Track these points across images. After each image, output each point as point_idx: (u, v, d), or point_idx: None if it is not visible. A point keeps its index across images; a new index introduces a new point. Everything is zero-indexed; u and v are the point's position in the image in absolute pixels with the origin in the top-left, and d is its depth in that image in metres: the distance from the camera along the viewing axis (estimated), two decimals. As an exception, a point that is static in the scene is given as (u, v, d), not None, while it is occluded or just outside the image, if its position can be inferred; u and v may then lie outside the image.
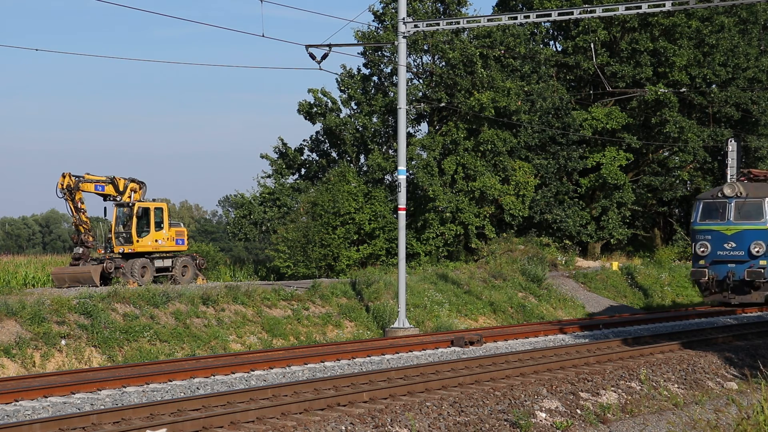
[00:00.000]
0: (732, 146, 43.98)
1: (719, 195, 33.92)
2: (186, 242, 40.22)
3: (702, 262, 33.11)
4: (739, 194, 33.38)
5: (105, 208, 37.40)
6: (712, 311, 33.19)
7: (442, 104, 50.66)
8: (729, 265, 32.56)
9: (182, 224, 43.36)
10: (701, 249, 33.20)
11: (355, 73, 52.87)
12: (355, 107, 52.71)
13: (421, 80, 53.08)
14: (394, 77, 49.75)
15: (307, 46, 29.01)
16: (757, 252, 32.04)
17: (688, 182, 61.22)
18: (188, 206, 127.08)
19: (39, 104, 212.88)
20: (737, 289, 33.00)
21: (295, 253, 48.21)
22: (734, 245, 32.49)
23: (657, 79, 56.13)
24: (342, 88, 52.82)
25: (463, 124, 50.62)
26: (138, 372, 17.01)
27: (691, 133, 56.12)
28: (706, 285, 33.12)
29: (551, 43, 60.68)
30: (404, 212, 31.09)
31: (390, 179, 50.93)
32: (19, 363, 21.76)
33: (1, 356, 21.61)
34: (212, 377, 16.87)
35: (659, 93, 54.48)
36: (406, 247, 33.70)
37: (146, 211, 37.52)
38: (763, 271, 31.91)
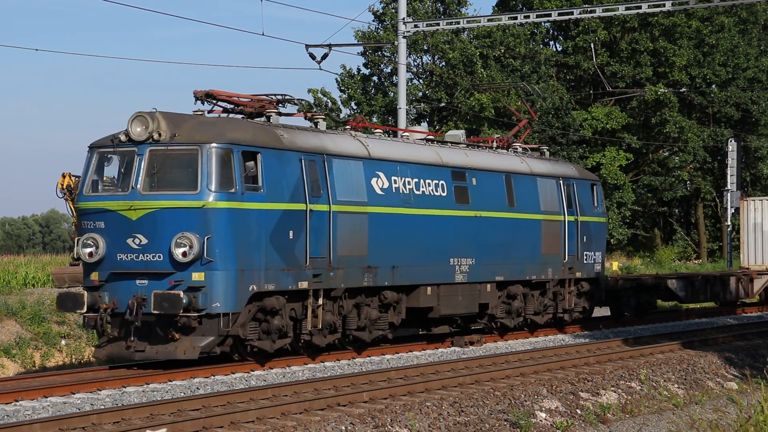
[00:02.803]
0: (732, 146, 44.01)
1: (122, 139, 17.16)
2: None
3: (94, 276, 17.28)
4: (157, 136, 16.90)
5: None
6: (712, 311, 33.13)
7: (442, 104, 50.66)
8: (138, 281, 16.86)
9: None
10: (88, 250, 17.19)
11: (355, 73, 52.87)
12: (355, 107, 52.72)
13: (421, 80, 53.10)
14: (394, 77, 49.75)
15: (307, 46, 29.03)
16: (185, 255, 16.42)
17: (688, 182, 61.27)
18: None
19: (39, 104, 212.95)
20: (145, 331, 16.91)
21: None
22: (144, 241, 16.78)
23: (657, 79, 56.14)
24: (342, 88, 52.86)
25: (463, 124, 50.62)
26: (138, 372, 17.01)
27: (691, 133, 56.14)
28: (101, 324, 17.00)
29: (551, 43, 60.71)
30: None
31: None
32: (19, 363, 21.77)
33: (1, 356, 21.62)
34: (212, 377, 16.88)
35: (659, 93, 54.49)
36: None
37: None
38: (198, 294, 16.50)
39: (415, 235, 20.47)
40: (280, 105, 19.16)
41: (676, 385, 18.11)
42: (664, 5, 30.31)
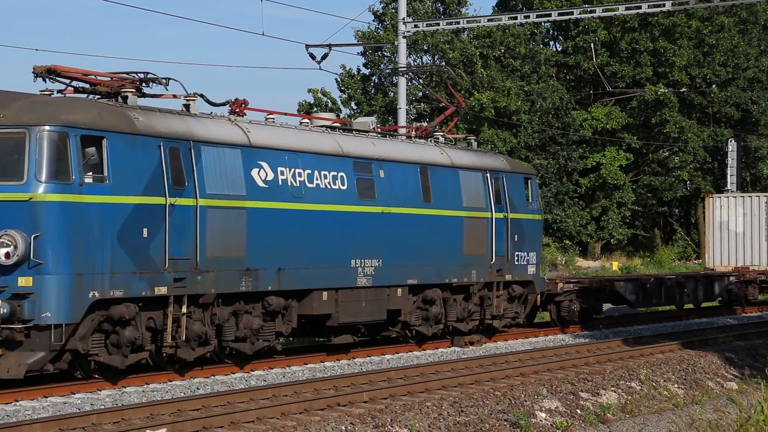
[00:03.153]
0: (732, 146, 44.01)
1: None
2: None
3: None
4: None
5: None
6: (712, 311, 33.12)
7: (442, 104, 50.71)
8: None
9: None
10: None
11: (355, 73, 52.89)
12: (355, 107, 52.72)
13: (421, 80, 53.12)
14: (394, 77, 49.76)
15: (307, 46, 29.02)
16: (8, 257, 14.29)
17: (688, 182, 61.28)
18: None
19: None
20: None
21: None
22: None
23: (657, 79, 56.14)
24: (342, 88, 52.87)
25: (463, 124, 50.64)
26: (137, 372, 17.01)
27: (691, 133, 56.14)
28: None
29: (551, 43, 60.71)
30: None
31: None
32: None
33: (1, 356, 21.57)
34: (212, 377, 16.89)
35: (659, 93, 54.50)
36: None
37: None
38: (25, 302, 14.31)
39: (307, 234, 18.19)
40: (144, 85, 16.83)
41: (676, 385, 18.11)
42: (664, 5, 30.32)
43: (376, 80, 53.25)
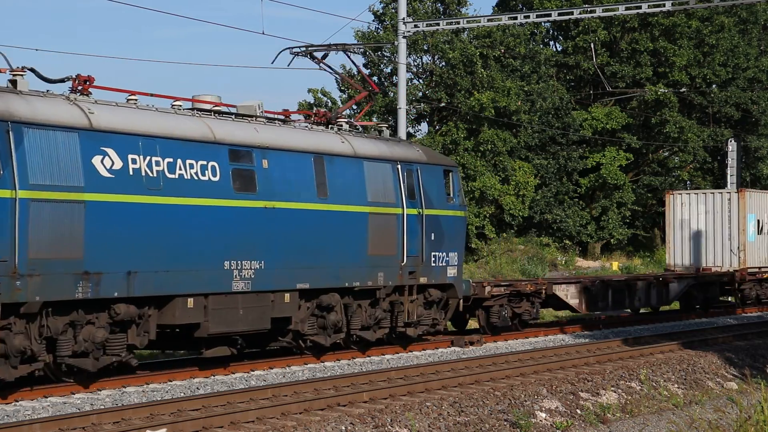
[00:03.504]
0: (732, 146, 43.97)
1: None
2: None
3: None
4: None
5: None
6: (712, 311, 33.10)
7: (442, 104, 50.67)
8: None
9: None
10: None
11: (355, 73, 52.84)
12: (355, 107, 52.70)
13: (421, 80, 53.10)
14: (394, 77, 49.74)
15: (308, 46, 28.98)
16: None
17: (688, 182, 61.26)
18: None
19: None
20: None
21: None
22: None
23: (657, 79, 56.16)
24: (342, 88, 52.82)
25: (463, 124, 50.64)
26: (137, 372, 17.01)
27: (691, 133, 56.15)
28: None
29: (551, 43, 60.72)
30: (404, 212, 31.08)
31: (390, 179, 50.89)
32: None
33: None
34: (212, 377, 16.88)
35: (659, 93, 54.52)
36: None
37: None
38: None
39: (166, 232, 15.85)
40: None
41: (676, 385, 18.11)
42: (664, 5, 30.32)
43: (377, 80, 53.22)
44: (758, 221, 34.45)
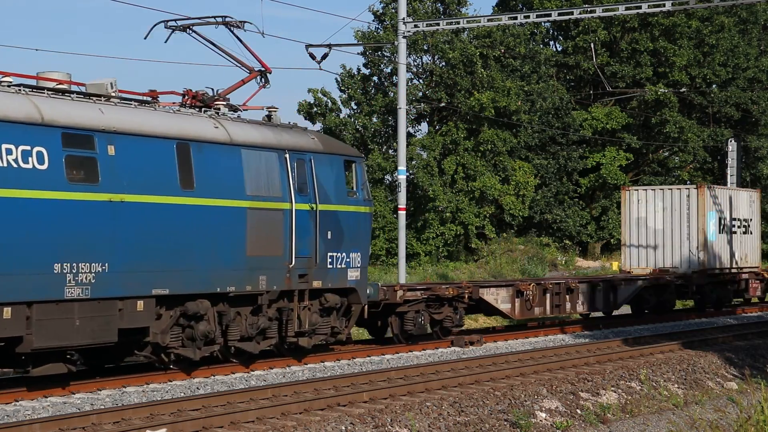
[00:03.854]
0: (732, 146, 43.97)
1: None
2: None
3: None
4: None
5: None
6: (712, 311, 33.05)
7: (442, 104, 50.67)
8: None
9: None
10: None
11: (355, 73, 52.86)
12: (355, 107, 52.69)
13: (421, 80, 53.10)
14: (394, 77, 49.72)
15: (307, 46, 29.01)
16: None
17: (688, 182, 61.26)
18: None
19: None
20: None
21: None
22: None
23: (657, 79, 56.15)
24: (342, 88, 52.81)
25: (463, 124, 50.63)
26: (138, 372, 17.02)
27: (691, 133, 56.14)
28: None
29: (551, 43, 60.70)
30: (404, 212, 31.14)
31: (390, 179, 50.95)
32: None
33: (1, 356, 21.57)
34: (212, 377, 16.88)
35: (659, 93, 54.51)
36: (406, 247, 33.74)
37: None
38: None
39: None
40: None
41: (676, 385, 18.11)
42: (664, 5, 30.31)
43: (376, 80, 53.22)
44: (720, 219, 32.25)
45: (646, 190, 32.46)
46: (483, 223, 49.95)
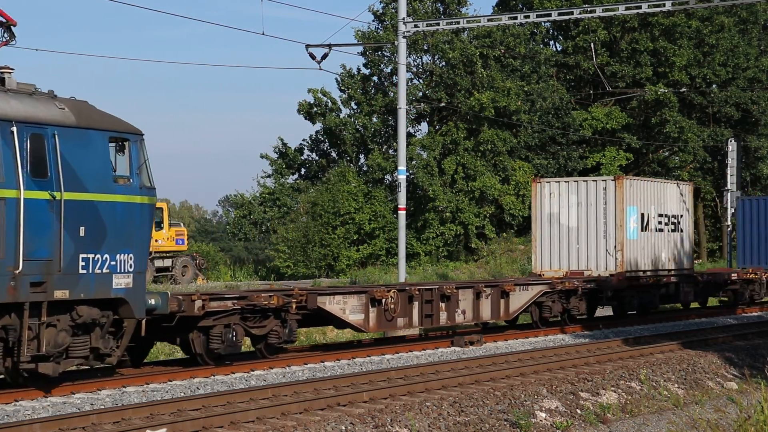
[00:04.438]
0: (732, 146, 43.95)
1: None
2: (186, 242, 40.27)
3: None
4: None
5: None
6: (712, 311, 33.08)
7: (442, 104, 50.68)
8: None
9: (182, 224, 43.47)
10: None
11: (355, 73, 52.88)
12: (355, 107, 52.73)
13: (421, 80, 53.11)
14: (394, 77, 49.74)
15: (307, 46, 29.06)
16: None
17: (688, 182, 61.32)
18: (188, 206, 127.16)
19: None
20: None
21: (295, 252, 48.29)
22: None
23: (657, 79, 56.19)
24: (342, 88, 52.86)
25: (463, 124, 50.66)
26: (138, 372, 17.02)
27: (691, 133, 56.17)
28: None
29: (551, 43, 60.73)
30: (404, 212, 31.15)
31: (390, 179, 51.00)
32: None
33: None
34: (212, 377, 16.88)
35: (659, 93, 54.53)
36: (406, 247, 33.74)
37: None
38: None
39: None
40: None
41: (676, 385, 18.11)
42: (664, 5, 30.31)
43: (376, 80, 53.24)
44: (642, 215, 28.62)
45: (558, 182, 28.77)
46: (483, 223, 49.99)
